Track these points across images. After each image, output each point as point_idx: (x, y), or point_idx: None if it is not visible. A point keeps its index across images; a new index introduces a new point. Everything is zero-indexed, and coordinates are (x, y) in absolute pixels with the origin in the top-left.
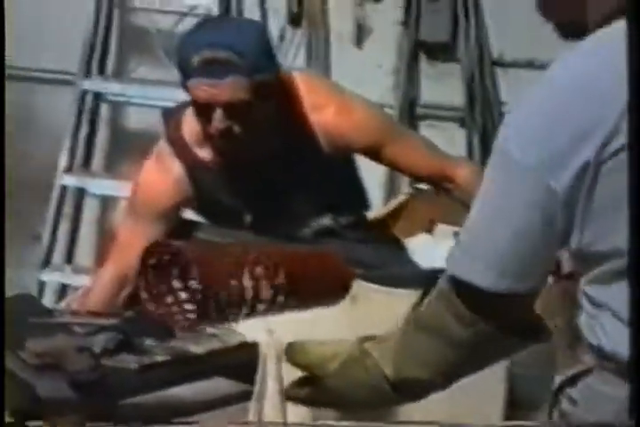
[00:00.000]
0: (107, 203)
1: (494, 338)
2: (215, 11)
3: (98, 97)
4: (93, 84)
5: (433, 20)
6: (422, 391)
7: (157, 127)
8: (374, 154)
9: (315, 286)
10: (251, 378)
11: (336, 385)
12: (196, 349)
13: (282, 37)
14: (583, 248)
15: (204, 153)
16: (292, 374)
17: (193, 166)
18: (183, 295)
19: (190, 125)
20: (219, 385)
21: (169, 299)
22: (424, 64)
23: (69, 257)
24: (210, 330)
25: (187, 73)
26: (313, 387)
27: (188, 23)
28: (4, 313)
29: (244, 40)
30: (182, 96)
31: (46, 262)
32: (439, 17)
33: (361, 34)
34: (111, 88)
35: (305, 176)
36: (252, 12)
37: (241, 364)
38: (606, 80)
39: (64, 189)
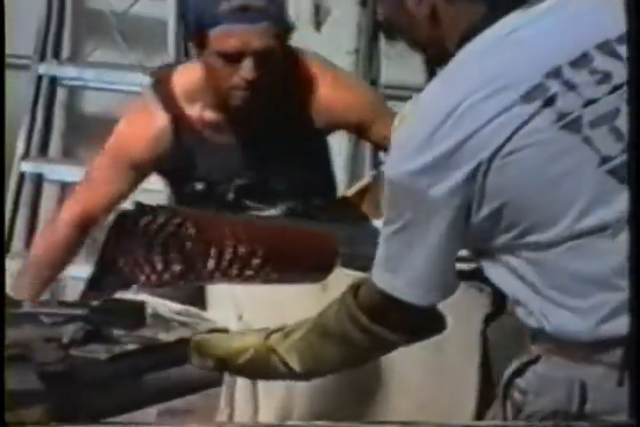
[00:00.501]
0: (65, 189)
1: (394, 340)
2: None
3: (54, 81)
4: (49, 69)
5: None
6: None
7: (114, 111)
8: (363, 131)
9: (298, 261)
10: None
11: (247, 375)
12: (166, 337)
13: None
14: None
15: (194, 111)
16: None
17: (179, 122)
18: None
19: (184, 80)
20: (189, 372)
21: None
22: (384, 44)
23: (28, 244)
24: (179, 318)
25: (208, 23)
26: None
27: (142, 5)
28: (4, 313)
29: None
30: (139, 79)
31: (6, 250)
32: None
33: (319, 15)
34: (67, 72)
35: (290, 153)
36: None
37: None
38: (462, 104)
39: (22, 175)
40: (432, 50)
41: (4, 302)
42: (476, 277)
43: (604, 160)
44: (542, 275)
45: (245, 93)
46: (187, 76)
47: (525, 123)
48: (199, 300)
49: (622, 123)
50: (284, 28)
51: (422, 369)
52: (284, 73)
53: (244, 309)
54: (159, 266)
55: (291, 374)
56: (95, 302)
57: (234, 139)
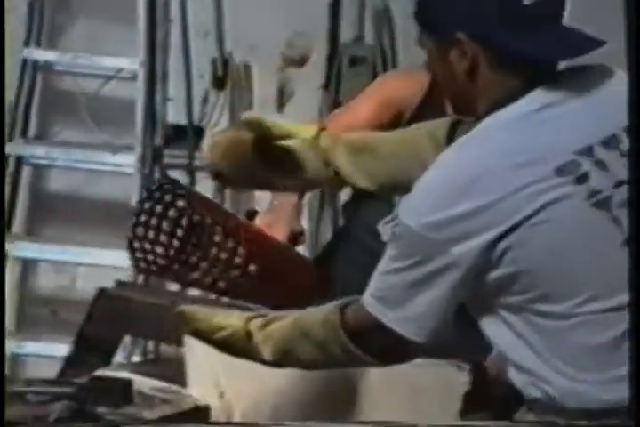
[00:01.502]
0: (27, 266)
1: (368, 361)
2: (140, 74)
3: (20, 160)
4: (16, 148)
5: (354, 83)
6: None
7: (79, 189)
8: None
9: (284, 277)
10: None
11: (216, 348)
12: (150, 415)
13: (205, 100)
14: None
15: None
16: None
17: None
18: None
19: None
20: None
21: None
22: None
23: None
24: (161, 395)
25: None
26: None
27: (112, 86)
28: (4, 313)
29: None
30: (106, 159)
31: None
32: (360, 80)
33: (283, 97)
34: (34, 151)
35: None
36: (177, 75)
37: None
38: (491, 168)
39: None
40: (463, 107)
41: (3, 305)
42: (455, 354)
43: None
44: (549, 343)
45: None
46: None
47: (558, 195)
48: (180, 377)
49: None
50: None
51: None
52: None
53: (225, 386)
54: (159, 249)
55: (260, 360)
56: (80, 380)
57: None
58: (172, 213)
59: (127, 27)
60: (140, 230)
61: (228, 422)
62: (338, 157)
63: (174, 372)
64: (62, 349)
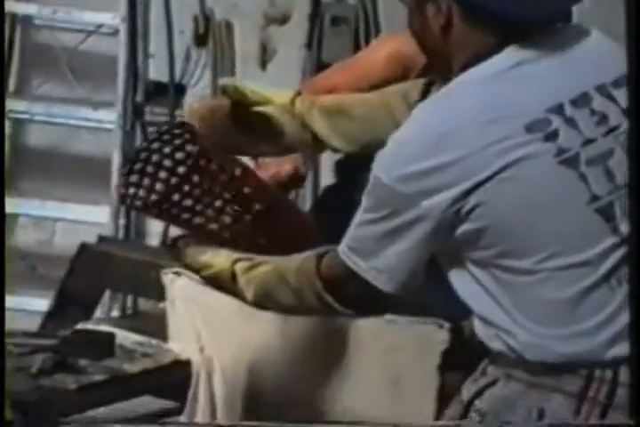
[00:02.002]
0: (7, 221)
1: (339, 310)
2: (121, 30)
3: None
4: None
5: (335, 43)
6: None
7: (58, 144)
8: None
9: (285, 228)
10: (183, 395)
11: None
12: (131, 368)
13: (187, 57)
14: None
15: None
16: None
17: None
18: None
19: None
20: (149, 401)
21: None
22: None
23: None
24: (142, 349)
25: None
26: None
27: (93, 41)
28: (4, 312)
29: None
30: (87, 114)
31: None
32: (341, 39)
33: (266, 55)
34: (13, 106)
35: None
36: (158, 31)
37: (174, 382)
38: (462, 123)
39: None
40: (437, 61)
41: (4, 301)
42: (436, 313)
43: (594, 198)
44: (513, 298)
45: None
46: None
47: (526, 152)
48: (160, 332)
49: (615, 164)
50: None
51: (379, 404)
52: None
53: (205, 341)
54: (163, 174)
55: (244, 300)
56: (63, 333)
57: None
58: (179, 155)
59: None
60: (138, 166)
61: (229, 425)
62: (314, 120)
63: (155, 327)
64: (41, 303)
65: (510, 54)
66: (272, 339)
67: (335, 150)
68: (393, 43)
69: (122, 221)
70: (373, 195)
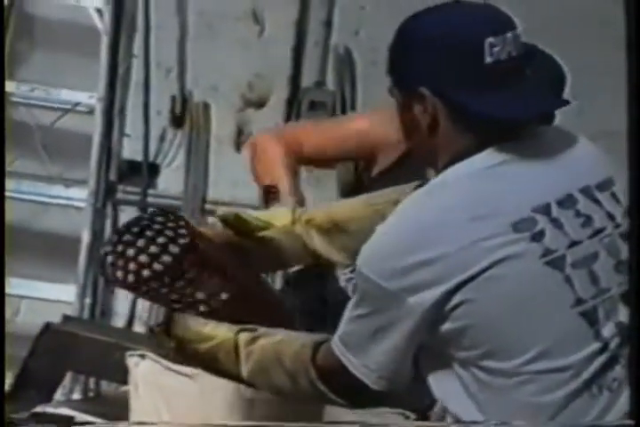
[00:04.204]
0: None
1: (333, 399)
2: (97, 109)
3: None
4: None
5: None
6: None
7: (29, 221)
8: None
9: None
10: None
11: (199, 365)
12: None
13: (163, 137)
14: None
15: None
16: None
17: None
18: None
19: None
20: None
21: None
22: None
23: None
24: None
25: None
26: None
27: (69, 120)
28: (4, 312)
29: None
30: (59, 192)
31: None
32: None
33: (241, 138)
34: None
35: None
36: (135, 112)
37: None
38: (448, 220)
39: None
40: (423, 157)
41: (4, 301)
42: (403, 404)
43: (579, 301)
44: (493, 399)
45: None
46: None
47: (513, 251)
48: (122, 416)
49: (599, 268)
50: None
51: None
52: None
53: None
54: (143, 258)
55: (237, 378)
56: (21, 416)
57: None
58: (161, 240)
59: (88, 60)
60: (120, 247)
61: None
62: (312, 240)
63: (116, 410)
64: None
65: (493, 153)
66: (237, 419)
67: (338, 264)
68: (366, 121)
69: (88, 300)
70: (361, 290)
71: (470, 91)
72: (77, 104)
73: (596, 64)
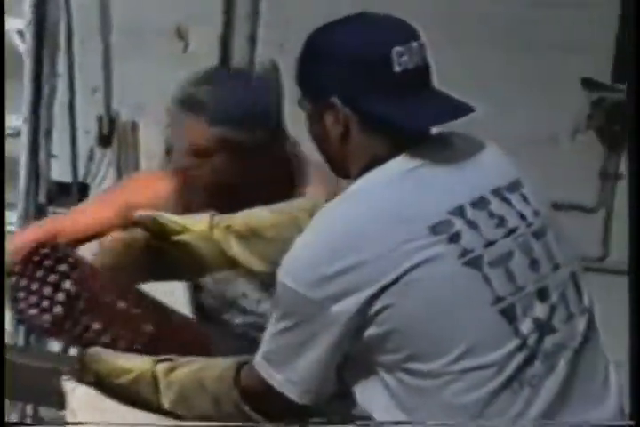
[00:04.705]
0: None
1: (257, 420)
2: (23, 130)
3: None
4: None
5: None
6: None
7: None
8: None
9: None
10: None
11: (118, 398)
12: None
13: (91, 157)
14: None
15: None
16: None
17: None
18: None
19: None
20: None
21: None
22: None
23: None
24: None
25: None
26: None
27: None
28: (4, 311)
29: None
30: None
31: None
32: None
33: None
34: None
35: None
36: (61, 132)
37: None
38: (365, 226)
39: None
40: (337, 166)
41: (3, 302)
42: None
43: (497, 300)
44: (419, 402)
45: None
46: None
47: (432, 253)
48: None
49: (514, 266)
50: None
51: None
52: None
53: None
54: (45, 303)
55: (159, 409)
56: None
57: None
58: (52, 278)
59: (12, 82)
60: (21, 294)
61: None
62: (230, 246)
63: None
64: None
65: (408, 158)
66: None
67: (255, 272)
68: (126, 193)
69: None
70: (282, 303)
71: (380, 99)
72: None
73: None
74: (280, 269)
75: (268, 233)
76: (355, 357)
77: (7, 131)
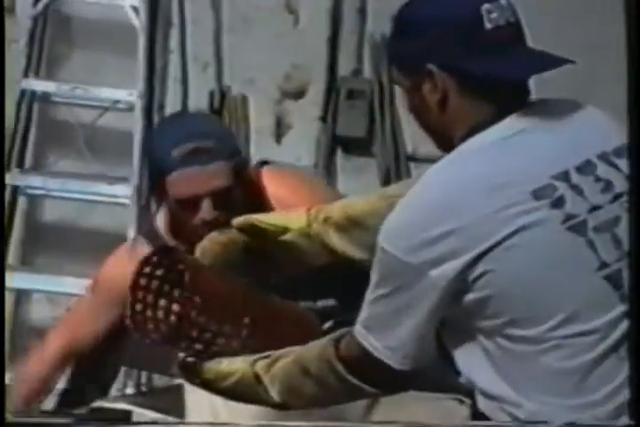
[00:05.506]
0: (21, 297)
1: (368, 391)
2: (138, 105)
3: (16, 191)
4: (12, 178)
5: (350, 116)
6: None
7: (74, 219)
8: None
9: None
10: None
11: (230, 397)
12: None
13: None
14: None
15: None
16: None
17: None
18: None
19: (163, 220)
20: None
21: (150, 313)
22: (341, 159)
23: None
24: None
25: (164, 170)
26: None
27: (109, 118)
28: (3, 313)
29: (217, 128)
30: (103, 189)
31: None
32: (356, 113)
33: (280, 129)
34: (30, 181)
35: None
36: (173, 106)
37: None
38: (467, 191)
39: None
40: (438, 135)
41: (3, 303)
42: (458, 390)
43: (603, 265)
44: (520, 368)
45: (210, 231)
46: (165, 216)
47: (534, 219)
48: (177, 409)
49: (622, 231)
50: (237, 164)
51: None
52: (250, 196)
53: (223, 419)
54: (160, 314)
55: (271, 404)
56: (80, 411)
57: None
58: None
59: (126, 58)
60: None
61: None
62: (332, 238)
63: (171, 403)
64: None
65: (509, 123)
66: (290, 416)
67: (359, 261)
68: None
69: None
70: (381, 268)
71: (475, 58)
72: (117, 102)
73: None
74: (380, 233)
75: (369, 221)
76: (454, 322)
77: (122, 106)
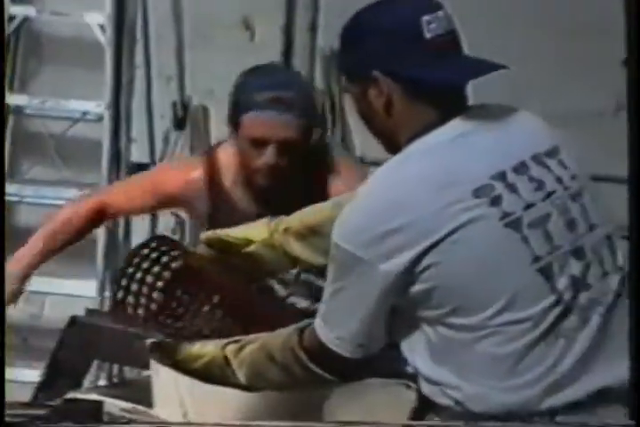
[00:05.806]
0: None
1: (328, 379)
2: (106, 116)
3: None
4: None
5: None
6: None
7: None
8: None
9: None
10: None
11: (199, 378)
12: None
13: (166, 140)
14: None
15: (227, 182)
16: None
17: (213, 182)
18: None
19: (224, 156)
20: None
21: (135, 287)
22: None
23: None
24: (130, 416)
25: (243, 108)
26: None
27: (79, 128)
28: (4, 314)
29: (300, 82)
30: (72, 194)
31: None
32: None
33: None
34: (6, 188)
35: None
36: (139, 116)
37: None
38: (415, 189)
39: None
40: (386, 138)
41: (3, 303)
42: (405, 375)
43: (536, 259)
44: (459, 353)
45: (268, 176)
46: (226, 153)
47: (475, 215)
48: (146, 399)
49: (552, 227)
50: (309, 123)
51: None
52: (307, 163)
53: (188, 406)
54: (145, 289)
55: (238, 386)
56: (55, 403)
57: (255, 213)
58: (157, 268)
59: (93, 72)
60: (124, 282)
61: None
62: (293, 247)
63: (140, 394)
64: (32, 374)
65: (453, 126)
66: (254, 404)
67: (320, 267)
68: (158, 178)
69: (107, 294)
70: (336, 263)
71: (417, 65)
72: (86, 113)
73: None
74: (334, 230)
75: (325, 229)
76: (401, 312)
77: (90, 117)
